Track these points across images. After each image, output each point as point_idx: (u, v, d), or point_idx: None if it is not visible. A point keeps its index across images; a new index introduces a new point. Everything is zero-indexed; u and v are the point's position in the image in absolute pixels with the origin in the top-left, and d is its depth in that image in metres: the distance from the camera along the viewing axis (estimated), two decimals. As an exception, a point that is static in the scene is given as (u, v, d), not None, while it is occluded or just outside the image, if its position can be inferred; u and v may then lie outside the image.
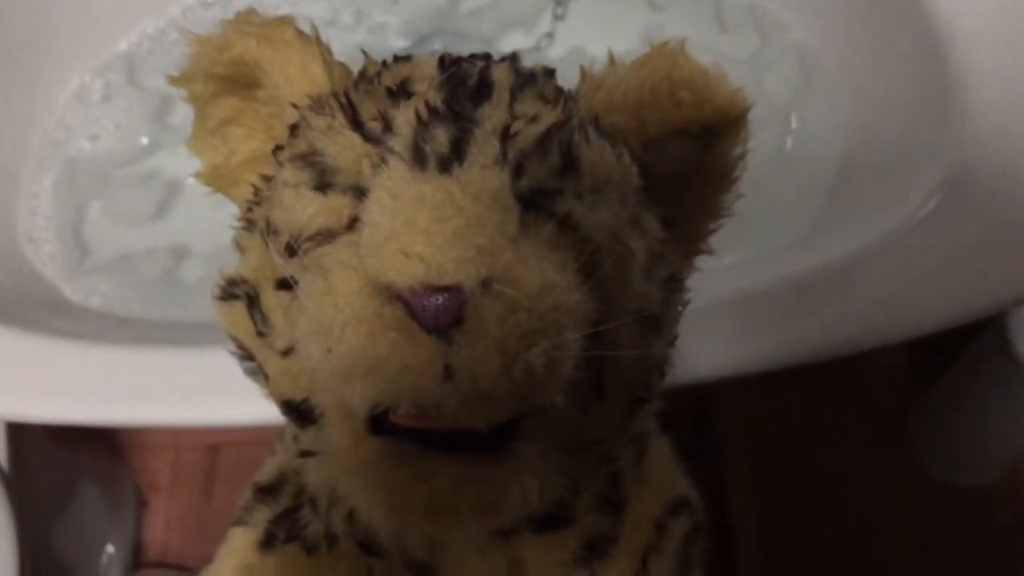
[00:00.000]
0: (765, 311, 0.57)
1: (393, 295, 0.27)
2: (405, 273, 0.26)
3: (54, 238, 0.73)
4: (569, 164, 0.31)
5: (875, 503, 1.11)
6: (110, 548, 1.04)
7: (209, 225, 0.75)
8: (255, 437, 1.12)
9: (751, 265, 0.65)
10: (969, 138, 0.60)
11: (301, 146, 0.32)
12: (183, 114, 0.80)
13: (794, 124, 0.75)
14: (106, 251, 0.74)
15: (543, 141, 0.30)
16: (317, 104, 0.33)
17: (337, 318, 0.27)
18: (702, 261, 0.39)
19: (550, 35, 0.83)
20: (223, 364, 0.54)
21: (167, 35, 0.82)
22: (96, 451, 1.12)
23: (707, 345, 0.54)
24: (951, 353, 1.04)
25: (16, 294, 0.67)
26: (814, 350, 0.56)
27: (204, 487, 1.14)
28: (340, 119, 0.31)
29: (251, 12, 0.36)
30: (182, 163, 0.78)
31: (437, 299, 0.26)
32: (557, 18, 0.84)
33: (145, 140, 0.79)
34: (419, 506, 0.29)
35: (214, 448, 1.16)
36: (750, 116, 0.36)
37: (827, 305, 0.57)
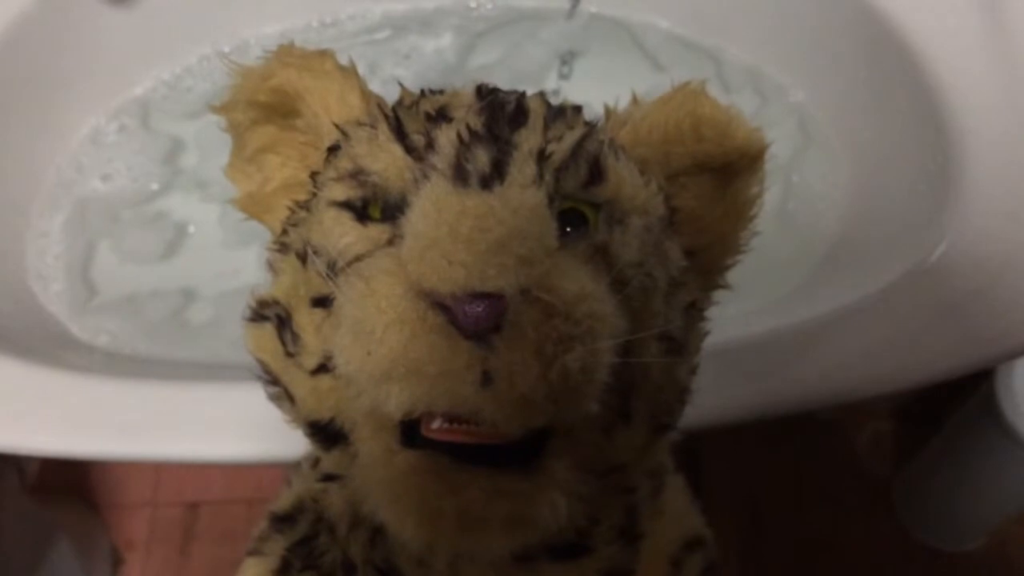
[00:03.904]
0: (756, 360, 0.57)
1: (434, 302, 0.28)
2: (448, 280, 0.27)
3: (62, 276, 0.74)
4: (597, 175, 0.32)
5: (861, 566, 1.10)
6: (83, 606, 1.02)
7: (216, 268, 0.76)
8: (234, 496, 1.11)
9: (746, 317, 0.66)
10: (965, 199, 0.62)
11: (345, 165, 0.33)
12: (194, 158, 0.82)
13: (795, 182, 0.77)
14: (114, 291, 0.74)
15: (573, 153, 0.32)
16: (358, 123, 0.35)
17: (380, 319, 0.28)
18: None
19: (556, 92, 0.85)
20: (231, 400, 0.55)
21: (183, 81, 0.84)
22: (72, 507, 1.10)
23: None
24: (937, 420, 1.05)
25: (23, 330, 0.67)
26: (801, 400, 0.56)
27: (181, 546, 1.13)
28: (383, 129, 0.32)
29: (291, 45, 0.38)
30: (192, 206, 0.79)
31: (478, 306, 0.27)
32: (562, 77, 0.86)
33: (156, 183, 0.80)
34: (451, 518, 0.29)
35: (192, 506, 1.14)
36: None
37: (816, 356, 0.58)
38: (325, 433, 0.34)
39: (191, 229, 0.79)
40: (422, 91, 0.36)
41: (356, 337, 0.29)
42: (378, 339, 0.28)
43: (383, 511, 0.31)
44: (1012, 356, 0.72)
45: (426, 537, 0.30)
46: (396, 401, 0.28)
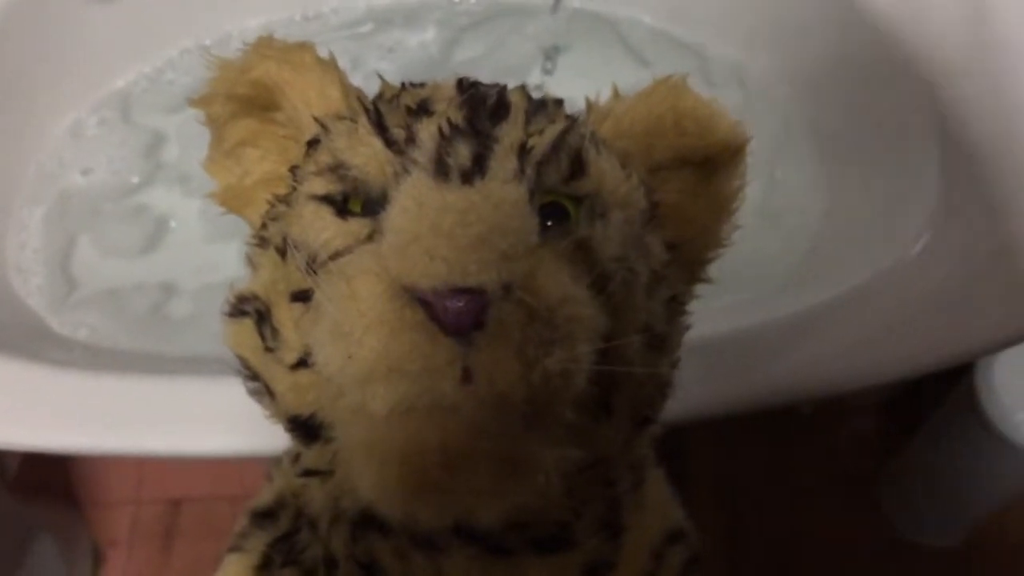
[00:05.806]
0: (739, 354, 0.58)
1: (415, 298, 0.27)
2: (429, 274, 0.27)
3: (42, 270, 0.73)
4: (578, 169, 0.32)
5: (843, 562, 1.11)
6: (65, 605, 1.01)
7: (197, 263, 0.75)
8: (217, 493, 1.11)
9: (729, 311, 0.66)
10: (947, 193, 0.62)
11: (325, 159, 0.33)
12: (175, 152, 0.82)
13: (777, 177, 0.77)
14: (94, 284, 0.74)
15: (554, 147, 0.32)
16: (338, 116, 0.34)
17: (360, 322, 0.28)
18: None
19: (540, 87, 0.85)
20: (212, 394, 0.55)
21: (164, 75, 0.83)
22: (54, 504, 1.10)
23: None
24: (918, 416, 1.05)
25: (1, 324, 0.66)
26: (784, 393, 0.57)
27: (163, 544, 1.12)
28: (364, 123, 0.32)
29: (271, 37, 0.37)
30: (173, 200, 0.79)
31: (459, 301, 0.27)
32: (546, 72, 0.86)
33: (137, 176, 0.80)
34: (434, 454, 0.28)
35: (175, 503, 1.14)
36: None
37: (799, 350, 0.58)
38: (306, 428, 0.34)
39: (172, 223, 0.78)
40: (403, 84, 0.36)
41: (335, 339, 0.28)
42: (357, 341, 0.28)
43: (365, 468, 0.30)
44: (993, 350, 0.73)
45: (411, 481, 0.29)
46: (381, 400, 0.28)
